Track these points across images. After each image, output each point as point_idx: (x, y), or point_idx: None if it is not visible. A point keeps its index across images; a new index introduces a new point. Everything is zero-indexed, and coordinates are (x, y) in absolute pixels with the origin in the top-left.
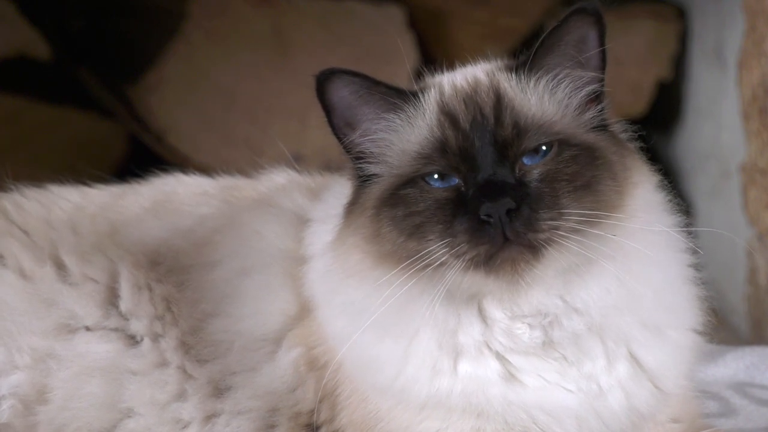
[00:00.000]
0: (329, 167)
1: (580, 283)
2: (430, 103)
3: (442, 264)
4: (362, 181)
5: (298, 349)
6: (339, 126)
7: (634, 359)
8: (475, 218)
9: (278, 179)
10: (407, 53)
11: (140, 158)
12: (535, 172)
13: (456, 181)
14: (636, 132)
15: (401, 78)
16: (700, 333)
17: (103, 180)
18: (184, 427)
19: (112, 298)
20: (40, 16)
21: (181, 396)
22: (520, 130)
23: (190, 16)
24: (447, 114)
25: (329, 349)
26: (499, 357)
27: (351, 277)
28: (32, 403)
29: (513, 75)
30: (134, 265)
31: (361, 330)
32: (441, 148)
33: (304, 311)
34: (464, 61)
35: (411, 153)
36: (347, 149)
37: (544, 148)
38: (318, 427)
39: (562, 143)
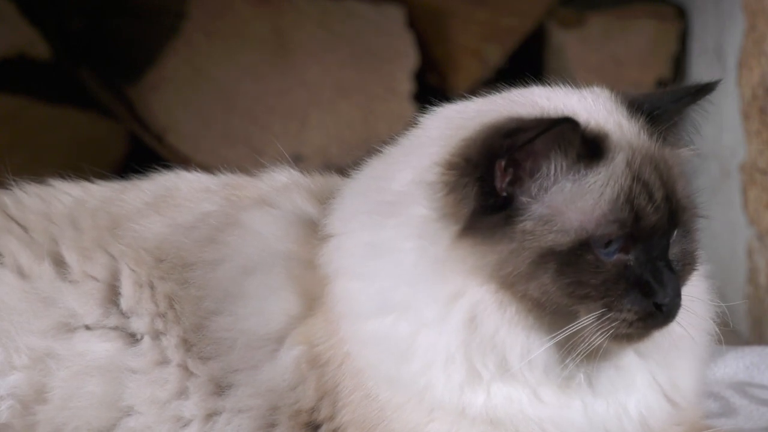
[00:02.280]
0: (329, 167)
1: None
2: (619, 163)
3: (589, 328)
4: (490, 203)
5: (300, 346)
6: (517, 157)
7: (674, 387)
8: (649, 302)
9: (280, 178)
10: (407, 53)
11: (140, 158)
12: (673, 252)
13: (616, 252)
14: None
15: (402, 78)
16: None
17: (104, 178)
18: (185, 425)
19: (112, 296)
20: (40, 16)
21: (181, 394)
22: (688, 206)
23: (190, 16)
24: (641, 182)
25: (334, 344)
26: (532, 387)
27: (459, 301)
28: (31, 402)
29: (671, 146)
30: (136, 261)
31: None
32: (634, 218)
33: (307, 311)
34: (466, 61)
35: (594, 213)
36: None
37: None
38: (318, 426)
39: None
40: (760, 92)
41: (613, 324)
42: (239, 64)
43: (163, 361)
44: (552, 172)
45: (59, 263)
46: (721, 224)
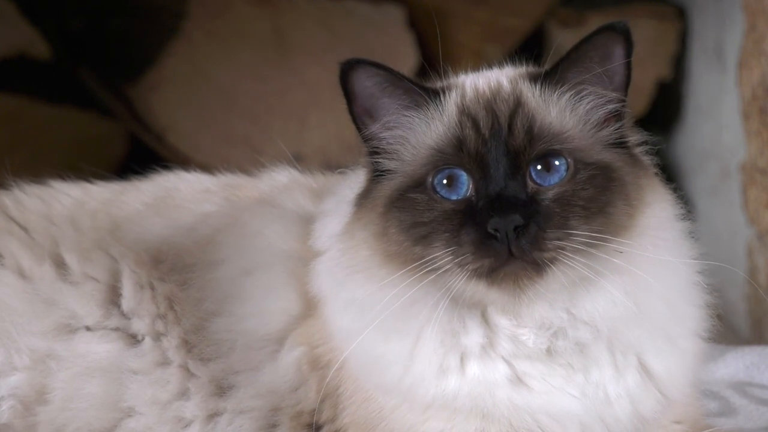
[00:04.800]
0: (329, 166)
1: (586, 296)
2: (450, 103)
3: (446, 271)
4: (377, 174)
5: (300, 348)
6: (359, 116)
7: (643, 369)
8: (482, 230)
9: (280, 178)
10: (407, 53)
11: (140, 158)
12: (549, 192)
13: (464, 191)
14: (648, 139)
15: None
16: (705, 339)
17: (104, 179)
18: (186, 426)
19: (113, 297)
20: (40, 16)
21: (183, 395)
22: (532, 137)
23: (190, 15)
24: (468, 116)
25: (333, 347)
26: (506, 361)
27: (358, 273)
28: (32, 403)
29: (537, 85)
30: (136, 263)
31: (366, 329)
32: (458, 146)
33: (307, 311)
34: (466, 61)
35: (425, 150)
36: (365, 140)
37: (557, 162)
38: (320, 427)
39: (578, 162)
40: (760, 92)
41: (461, 258)
42: (239, 63)
43: (165, 362)
44: (389, 125)
45: (60, 264)
46: (721, 224)
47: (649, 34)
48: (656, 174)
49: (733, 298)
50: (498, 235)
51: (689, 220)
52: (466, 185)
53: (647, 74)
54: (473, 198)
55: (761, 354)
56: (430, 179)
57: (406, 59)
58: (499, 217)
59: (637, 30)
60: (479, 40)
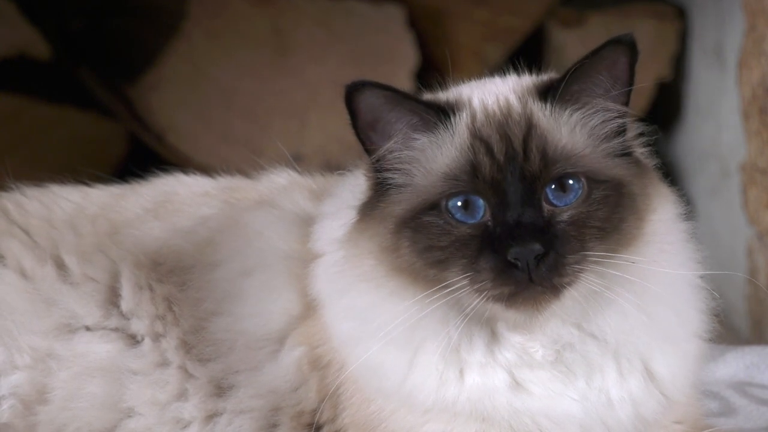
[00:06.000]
0: (329, 167)
1: (597, 310)
2: (461, 125)
3: (462, 295)
4: (381, 186)
5: (301, 348)
6: (365, 136)
7: (647, 372)
8: (501, 259)
9: (279, 180)
10: (407, 53)
11: (140, 158)
12: (564, 214)
13: (480, 216)
14: (647, 134)
15: (402, 77)
16: (706, 340)
17: (103, 180)
18: (185, 426)
19: (112, 297)
20: (40, 16)
21: (182, 395)
22: (548, 161)
23: (190, 15)
24: (480, 140)
25: (333, 348)
26: (507, 370)
27: (363, 282)
28: (32, 403)
29: (546, 104)
30: (135, 265)
31: (368, 338)
32: (472, 172)
33: (307, 311)
34: (466, 61)
35: (438, 173)
36: (369, 155)
37: (571, 182)
38: (320, 427)
39: (590, 180)
40: (760, 92)
41: (479, 284)
42: (239, 63)
43: (164, 363)
44: (397, 145)
45: (60, 266)
46: (721, 224)
47: (649, 34)
48: (656, 170)
49: (733, 299)
50: (518, 263)
51: (689, 220)
52: (482, 210)
53: (647, 74)
54: (489, 223)
55: (761, 354)
56: (445, 202)
57: (406, 59)
58: (519, 247)
59: (637, 30)
60: (479, 39)
